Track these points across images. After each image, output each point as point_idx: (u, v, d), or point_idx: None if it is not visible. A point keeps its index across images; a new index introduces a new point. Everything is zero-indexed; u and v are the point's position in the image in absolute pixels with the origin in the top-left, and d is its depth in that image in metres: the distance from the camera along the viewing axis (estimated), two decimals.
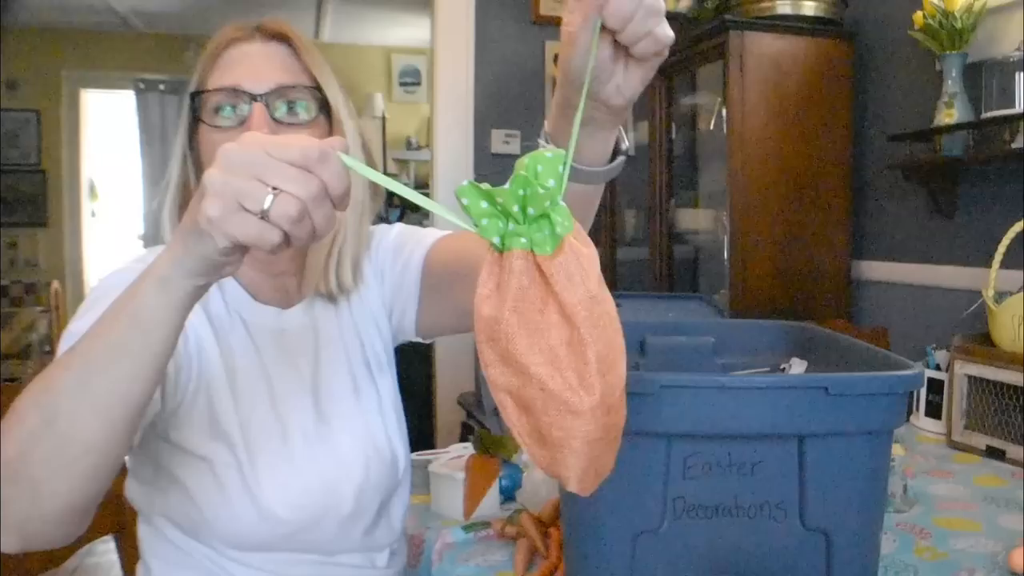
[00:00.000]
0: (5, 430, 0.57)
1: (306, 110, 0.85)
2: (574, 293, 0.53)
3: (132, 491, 0.89)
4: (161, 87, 5.93)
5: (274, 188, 0.49)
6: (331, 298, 0.93)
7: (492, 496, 1.11)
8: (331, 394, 0.92)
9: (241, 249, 0.53)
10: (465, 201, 0.52)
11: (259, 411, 0.86)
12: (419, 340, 1.02)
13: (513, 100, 3.02)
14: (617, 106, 0.65)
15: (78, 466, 0.57)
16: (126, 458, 0.80)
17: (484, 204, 0.53)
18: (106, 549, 2.71)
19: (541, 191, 0.52)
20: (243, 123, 0.82)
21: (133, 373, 0.57)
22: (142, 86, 5.91)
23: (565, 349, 0.54)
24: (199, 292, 0.57)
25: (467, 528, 1.04)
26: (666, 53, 0.61)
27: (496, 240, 0.53)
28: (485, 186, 0.53)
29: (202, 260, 0.53)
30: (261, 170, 0.49)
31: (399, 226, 1.02)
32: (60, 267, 5.90)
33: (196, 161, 0.88)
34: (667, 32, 0.59)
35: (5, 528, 0.59)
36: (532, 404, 0.54)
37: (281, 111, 0.84)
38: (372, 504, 0.92)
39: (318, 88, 0.86)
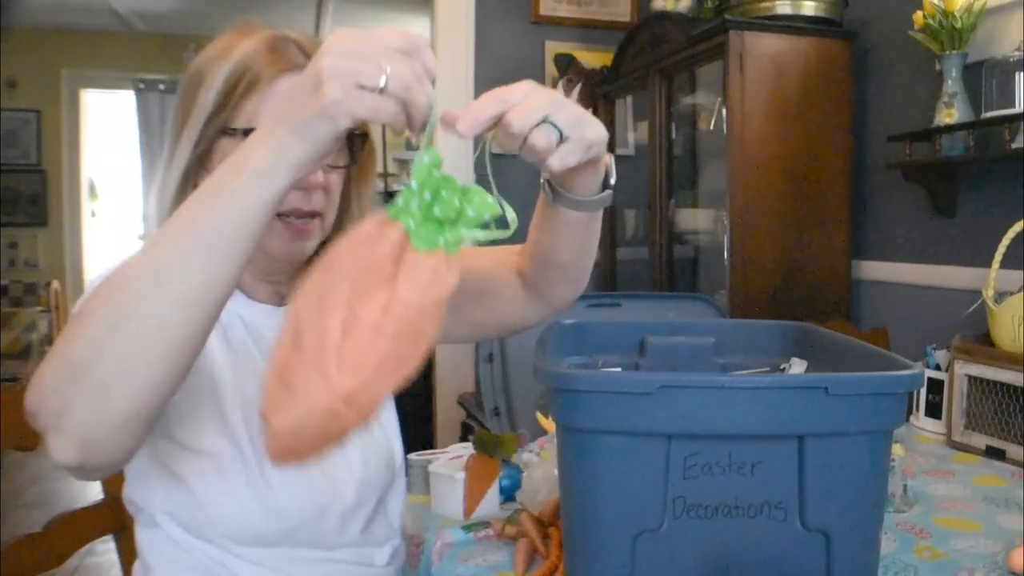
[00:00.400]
0: (73, 331, 0.57)
1: (345, 155, 0.87)
2: (411, 292, 0.55)
3: (132, 491, 0.89)
4: (161, 87, 5.93)
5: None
6: None
7: (492, 496, 1.11)
8: None
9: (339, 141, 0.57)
10: (414, 184, 0.57)
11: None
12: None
13: None
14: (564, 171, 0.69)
15: (152, 366, 0.57)
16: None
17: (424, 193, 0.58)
18: (106, 549, 2.71)
19: (448, 197, 0.57)
20: None
21: (219, 271, 0.57)
22: (142, 86, 5.91)
23: (366, 330, 0.55)
24: (286, 192, 0.58)
25: (467, 528, 1.04)
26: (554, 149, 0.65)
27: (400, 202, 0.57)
28: (437, 173, 0.58)
29: (315, 146, 0.56)
30: (372, 53, 0.54)
31: None
32: (60, 267, 5.90)
33: (207, 160, 0.84)
34: (546, 143, 0.63)
35: (66, 434, 0.57)
36: (305, 346, 0.55)
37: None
38: (371, 497, 0.93)
39: (364, 135, 0.87)
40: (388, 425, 0.98)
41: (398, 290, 0.56)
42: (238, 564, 0.86)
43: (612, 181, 0.78)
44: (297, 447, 0.56)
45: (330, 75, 0.54)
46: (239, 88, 0.81)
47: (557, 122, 0.63)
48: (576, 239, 0.84)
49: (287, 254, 0.86)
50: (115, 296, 0.57)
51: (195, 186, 0.83)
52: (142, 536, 0.89)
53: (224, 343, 0.87)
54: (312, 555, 0.90)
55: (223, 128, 0.82)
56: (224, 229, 0.57)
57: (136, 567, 0.93)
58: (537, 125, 0.62)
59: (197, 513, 0.84)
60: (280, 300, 0.93)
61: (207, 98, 0.82)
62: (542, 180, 0.78)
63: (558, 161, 0.64)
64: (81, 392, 0.56)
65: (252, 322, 0.90)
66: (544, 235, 0.85)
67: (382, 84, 0.54)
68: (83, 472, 0.61)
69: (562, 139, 0.64)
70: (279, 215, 0.82)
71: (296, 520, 0.86)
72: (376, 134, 0.93)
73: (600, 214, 0.82)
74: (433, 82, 0.57)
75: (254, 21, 0.89)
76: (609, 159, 0.77)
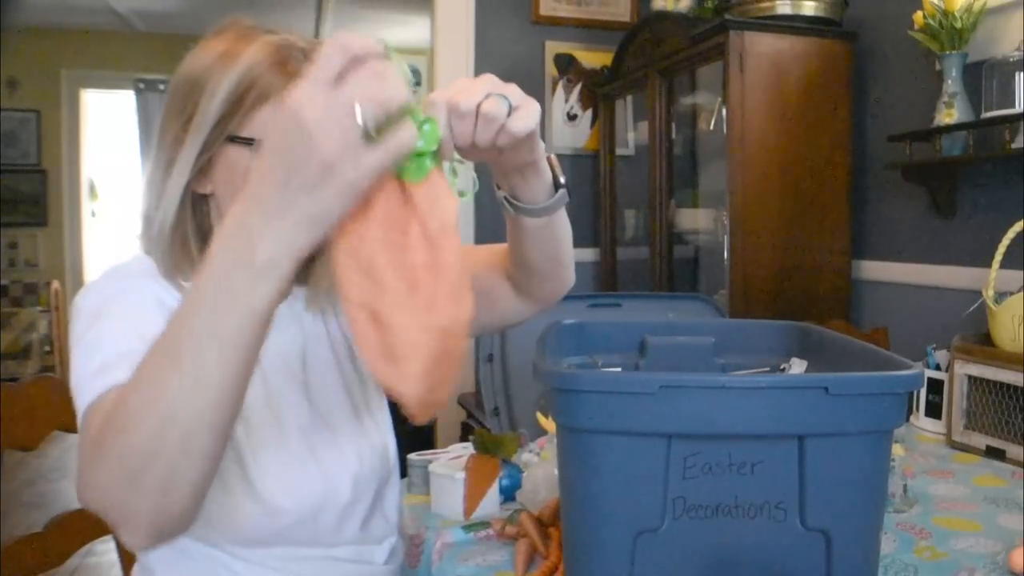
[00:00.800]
0: (116, 439, 0.58)
1: None
2: (435, 220, 0.58)
3: None
4: (161, 87, 5.93)
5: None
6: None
7: (492, 496, 1.11)
8: (321, 388, 0.93)
9: None
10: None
11: (256, 405, 0.87)
12: None
13: None
14: (512, 163, 0.74)
15: (204, 454, 0.58)
16: None
17: None
18: (106, 549, 2.71)
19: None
20: None
21: (250, 357, 0.58)
22: (142, 86, 5.91)
23: (423, 271, 0.58)
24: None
25: (467, 528, 1.04)
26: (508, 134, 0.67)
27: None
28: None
29: (329, 226, 0.56)
30: (345, 100, 0.52)
31: None
32: (60, 267, 5.90)
33: (207, 166, 0.84)
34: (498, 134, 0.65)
35: (137, 527, 0.59)
36: (385, 318, 0.57)
37: None
38: (367, 493, 0.94)
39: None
40: (380, 420, 0.99)
41: (425, 224, 0.58)
42: (240, 565, 0.86)
43: (563, 180, 0.80)
44: (431, 386, 0.58)
45: (329, 154, 0.52)
46: (248, 98, 0.81)
47: (504, 94, 0.65)
48: (544, 242, 0.86)
49: None
50: (153, 406, 0.57)
51: (195, 192, 0.84)
52: None
53: None
54: (313, 553, 0.90)
55: (230, 136, 0.81)
56: (244, 325, 0.56)
57: (135, 570, 0.92)
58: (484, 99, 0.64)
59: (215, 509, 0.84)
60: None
61: (211, 105, 0.81)
62: (499, 196, 0.81)
63: (519, 124, 0.65)
64: (141, 497, 0.58)
65: None
66: (515, 242, 0.87)
67: (360, 122, 0.52)
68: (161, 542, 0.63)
69: (511, 109, 0.65)
70: None
71: (294, 517, 0.86)
72: None
73: (561, 213, 0.84)
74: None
75: (245, 23, 0.88)
76: (553, 158, 0.79)
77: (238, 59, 0.82)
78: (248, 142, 0.81)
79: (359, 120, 0.52)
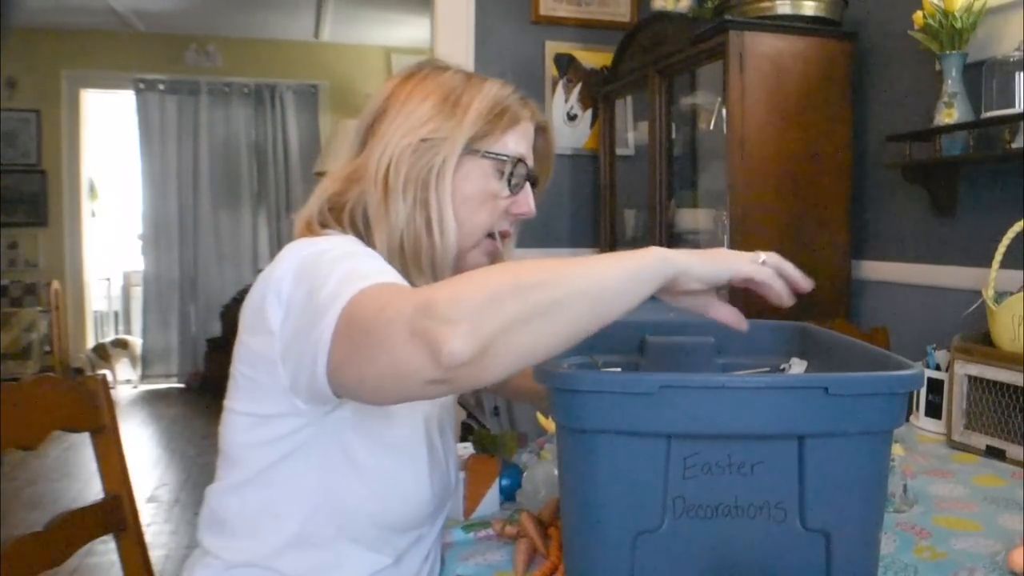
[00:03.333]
0: (510, 289, 0.66)
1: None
2: None
3: (292, 478, 0.89)
4: (161, 87, 5.94)
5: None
6: None
7: (492, 496, 1.11)
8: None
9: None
10: None
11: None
12: None
13: None
14: None
15: (557, 340, 0.69)
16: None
17: None
18: (106, 549, 2.71)
19: None
20: (517, 190, 0.98)
21: (619, 304, 0.71)
22: (142, 86, 5.92)
23: None
24: (667, 283, 0.76)
25: (467, 528, 1.05)
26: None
27: None
28: None
29: (708, 277, 0.80)
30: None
31: None
32: (60, 267, 5.90)
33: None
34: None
35: (473, 337, 0.63)
36: None
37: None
38: (452, 493, 1.05)
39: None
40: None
41: None
42: (353, 548, 0.90)
43: None
44: None
45: (736, 257, 0.83)
46: (502, 121, 0.96)
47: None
48: None
49: (474, 266, 0.97)
50: (554, 280, 0.68)
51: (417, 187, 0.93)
52: (266, 515, 0.90)
53: None
54: (424, 539, 0.99)
55: (485, 152, 0.95)
56: (624, 278, 0.72)
57: (209, 539, 0.93)
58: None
59: (374, 503, 0.89)
60: None
61: (468, 122, 0.93)
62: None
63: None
64: (506, 312, 0.65)
65: None
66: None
67: (761, 261, 0.85)
68: (447, 374, 0.65)
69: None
70: (490, 235, 0.98)
71: (440, 498, 0.97)
72: None
73: None
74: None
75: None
76: None
77: (484, 85, 0.97)
78: (499, 158, 0.95)
79: (760, 260, 0.87)
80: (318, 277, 0.77)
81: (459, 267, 0.96)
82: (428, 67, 0.99)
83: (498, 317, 0.64)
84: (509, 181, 0.96)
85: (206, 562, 0.92)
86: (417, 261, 0.92)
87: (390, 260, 0.90)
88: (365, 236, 0.92)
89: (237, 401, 0.89)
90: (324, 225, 0.93)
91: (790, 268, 0.87)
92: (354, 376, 0.71)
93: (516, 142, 0.98)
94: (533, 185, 1.01)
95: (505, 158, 0.96)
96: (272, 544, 0.88)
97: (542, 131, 1.04)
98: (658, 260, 0.73)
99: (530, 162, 1.00)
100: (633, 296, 0.72)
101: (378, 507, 0.89)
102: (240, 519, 0.90)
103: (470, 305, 0.64)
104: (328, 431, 0.86)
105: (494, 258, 1.00)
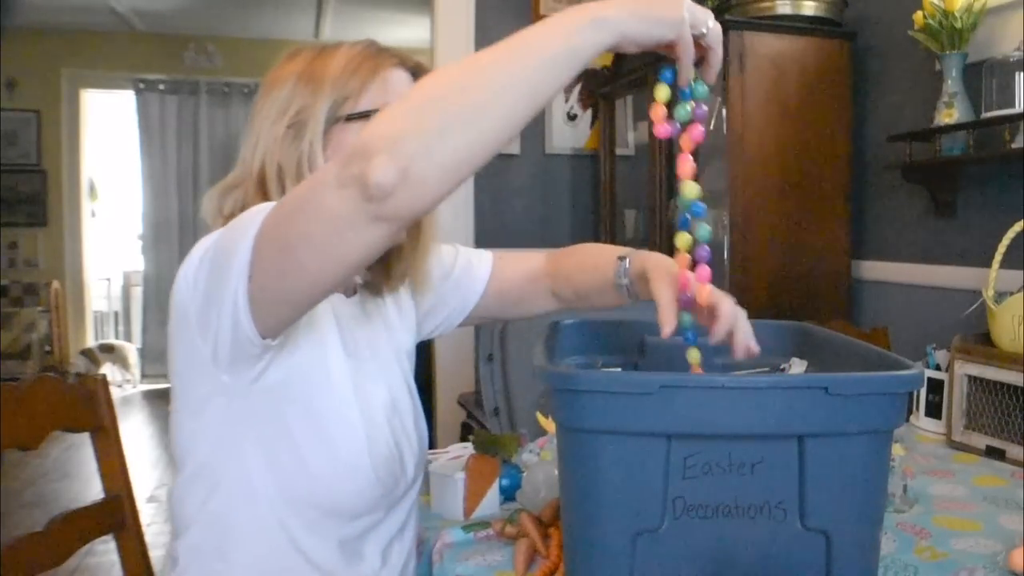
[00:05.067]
0: (434, 89, 0.65)
1: None
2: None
3: (214, 457, 0.88)
4: (161, 87, 5.93)
5: None
6: (378, 292, 1.03)
7: (492, 496, 1.11)
8: (390, 375, 1.02)
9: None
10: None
11: (344, 390, 0.93)
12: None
13: None
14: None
15: (488, 133, 0.65)
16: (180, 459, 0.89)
17: None
18: (106, 549, 2.71)
19: None
20: None
21: (555, 83, 0.67)
22: (142, 86, 5.91)
23: None
24: (597, 54, 0.69)
25: (467, 528, 1.04)
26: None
27: None
28: None
29: (645, 35, 0.70)
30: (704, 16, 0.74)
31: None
32: (60, 267, 5.90)
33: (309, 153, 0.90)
34: None
35: (395, 158, 0.62)
36: None
37: None
38: (418, 478, 1.04)
39: None
40: (419, 410, 1.07)
41: None
42: (310, 541, 0.90)
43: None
44: None
45: (687, 9, 0.71)
46: (363, 72, 0.90)
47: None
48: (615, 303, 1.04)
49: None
50: (472, 81, 0.65)
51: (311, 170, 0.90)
52: (214, 509, 0.89)
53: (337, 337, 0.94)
54: (379, 534, 0.97)
55: (342, 116, 0.89)
56: (565, 55, 0.67)
57: (179, 546, 0.92)
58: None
59: (299, 487, 0.87)
60: (353, 290, 1.02)
61: (324, 94, 0.89)
62: (624, 282, 0.98)
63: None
64: (421, 130, 0.64)
65: (337, 311, 0.96)
66: (589, 296, 1.06)
67: (706, 31, 0.73)
68: (380, 208, 0.64)
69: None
70: None
71: (386, 484, 0.93)
72: None
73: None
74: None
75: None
76: None
77: (338, 49, 0.92)
78: (365, 116, 0.89)
79: (705, 30, 0.73)
80: (220, 240, 0.77)
81: None
82: (291, 50, 0.96)
83: (417, 136, 0.63)
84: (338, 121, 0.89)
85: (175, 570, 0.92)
86: None
87: None
88: None
89: (173, 402, 0.89)
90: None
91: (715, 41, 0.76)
92: (287, 271, 0.71)
93: (381, 93, 0.91)
94: None
95: (370, 113, 0.88)
96: (225, 536, 0.88)
97: (417, 70, 0.96)
98: (593, 28, 0.67)
99: None
100: (568, 72, 0.68)
101: (315, 485, 0.88)
102: (193, 515, 0.90)
103: (388, 131, 0.64)
104: (259, 408, 0.84)
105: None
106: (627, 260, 0.98)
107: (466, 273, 1.13)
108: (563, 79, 0.67)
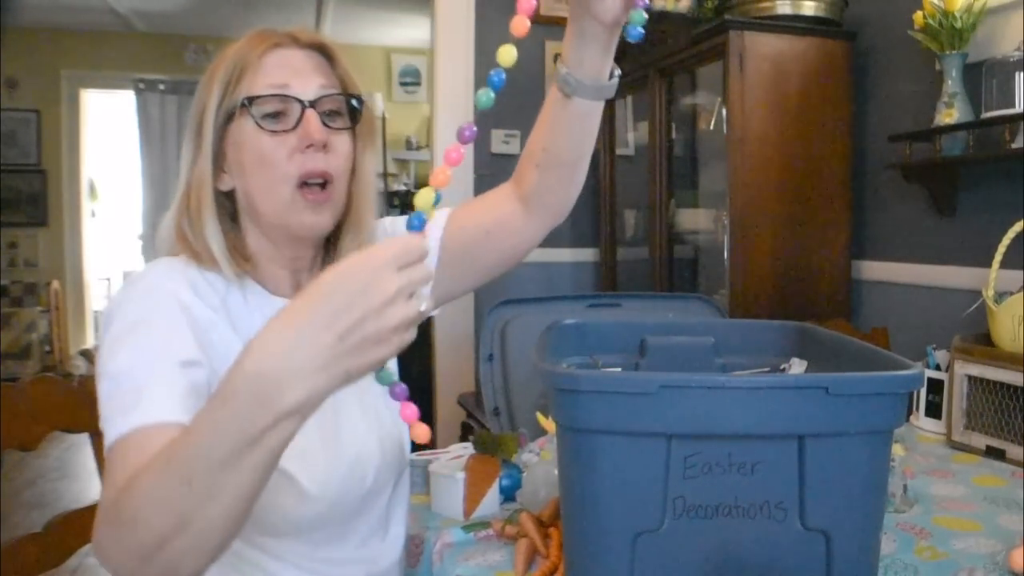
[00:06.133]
0: (126, 530, 0.60)
1: (345, 119, 0.90)
2: None
3: None
4: (161, 87, 5.93)
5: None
6: None
7: (492, 496, 1.11)
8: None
9: None
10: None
11: None
12: (431, 314, 1.06)
13: (513, 100, 2.99)
14: (607, 22, 0.82)
15: (214, 547, 0.61)
16: None
17: None
18: None
19: None
20: (295, 127, 0.85)
21: (262, 479, 0.60)
22: (142, 86, 5.91)
23: None
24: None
25: (467, 528, 1.04)
26: None
27: None
28: None
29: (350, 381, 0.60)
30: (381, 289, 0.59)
31: (389, 218, 1.06)
32: (60, 267, 5.90)
33: (221, 159, 0.88)
34: None
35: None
36: None
37: (328, 117, 0.88)
38: (388, 483, 0.97)
39: (358, 97, 0.91)
40: (395, 412, 0.98)
41: None
42: (273, 564, 0.88)
43: (616, 72, 0.89)
44: None
45: (370, 333, 0.58)
46: (241, 65, 0.86)
47: None
48: (583, 132, 0.92)
49: (311, 228, 0.88)
50: (164, 513, 0.59)
51: (219, 191, 0.88)
52: None
53: (243, 342, 0.86)
54: (339, 552, 0.92)
55: (228, 115, 0.86)
56: (261, 460, 0.59)
57: None
58: None
59: None
60: (299, 290, 0.94)
61: (213, 95, 0.86)
62: (561, 72, 0.87)
63: None
64: (151, 570, 0.60)
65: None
66: (552, 136, 0.93)
67: (423, 309, 0.61)
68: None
69: None
70: (299, 186, 0.86)
71: (324, 504, 0.88)
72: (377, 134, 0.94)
73: (602, 105, 0.91)
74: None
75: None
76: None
77: (229, 48, 0.88)
78: (246, 108, 0.84)
79: (422, 307, 0.60)
80: (102, 357, 0.76)
81: (292, 234, 0.89)
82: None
83: (155, 569, 0.60)
84: (259, 125, 0.85)
85: None
86: (257, 259, 0.90)
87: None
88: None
89: None
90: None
91: None
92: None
93: (260, 79, 0.86)
94: (313, 106, 0.86)
95: (249, 101, 0.85)
96: None
97: (301, 45, 0.90)
98: (282, 428, 0.58)
99: (302, 86, 0.86)
100: (273, 462, 0.60)
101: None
102: None
103: (125, 569, 0.61)
104: None
105: (322, 208, 0.87)
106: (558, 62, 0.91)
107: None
108: (273, 465, 0.60)
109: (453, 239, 1.00)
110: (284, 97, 0.85)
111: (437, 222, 1.01)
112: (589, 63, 0.86)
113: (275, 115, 0.86)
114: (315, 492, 0.86)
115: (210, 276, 0.87)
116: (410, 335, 0.60)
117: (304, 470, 0.86)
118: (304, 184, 0.86)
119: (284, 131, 0.85)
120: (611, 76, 0.88)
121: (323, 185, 0.87)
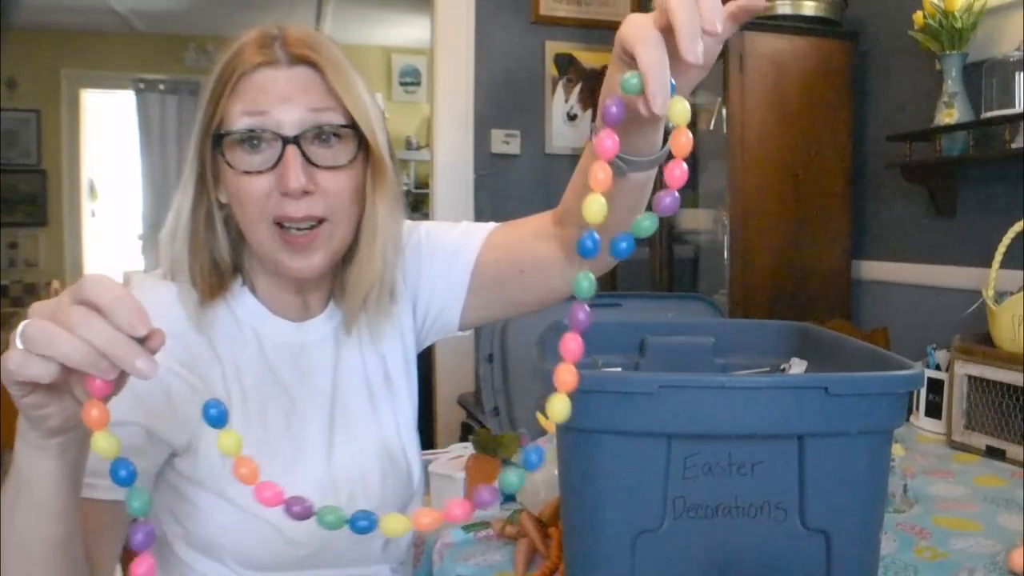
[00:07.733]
0: None
1: (344, 145, 0.79)
2: None
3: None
4: (161, 87, 5.93)
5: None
6: (347, 331, 0.90)
7: None
8: (347, 407, 0.89)
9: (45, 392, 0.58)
10: None
11: (274, 431, 0.83)
12: (459, 334, 1.01)
13: (513, 100, 3.02)
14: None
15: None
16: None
17: None
18: None
19: None
20: (275, 167, 0.76)
21: (41, 520, 0.62)
22: (142, 86, 5.91)
23: None
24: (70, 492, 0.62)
25: (467, 528, 1.04)
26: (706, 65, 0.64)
27: None
28: None
29: (53, 455, 0.60)
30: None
31: (426, 225, 0.98)
32: (60, 267, 5.90)
33: (217, 176, 0.81)
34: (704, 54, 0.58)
35: None
36: None
37: (316, 153, 0.77)
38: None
39: (354, 125, 0.79)
40: (406, 441, 0.93)
41: None
42: None
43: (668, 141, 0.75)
44: None
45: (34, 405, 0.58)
46: (220, 85, 0.77)
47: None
48: (635, 197, 0.81)
49: (297, 271, 0.80)
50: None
51: (210, 204, 0.82)
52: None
53: (226, 370, 0.82)
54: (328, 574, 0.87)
55: (215, 136, 0.78)
56: (29, 493, 0.61)
57: None
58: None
59: (216, 542, 0.82)
60: (306, 311, 0.89)
61: (200, 115, 0.79)
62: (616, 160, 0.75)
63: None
64: None
65: (270, 339, 0.86)
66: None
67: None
68: None
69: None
70: (280, 226, 0.77)
71: (313, 547, 0.83)
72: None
73: (653, 173, 0.80)
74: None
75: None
76: None
77: (223, 55, 0.80)
78: (221, 140, 0.77)
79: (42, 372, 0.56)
80: None
81: (280, 271, 0.82)
82: None
83: None
84: (229, 164, 0.77)
85: None
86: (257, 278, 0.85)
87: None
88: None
89: None
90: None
91: None
92: None
93: (238, 106, 0.77)
94: (296, 141, 0.76)
95: (227, 136, 0.76)
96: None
97: (290, 61, 0.78)
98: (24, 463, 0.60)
99: (286, 114, 0.76)
100: (75, 491, 0.62)
101: (218, 535, 0.82)
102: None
103: None
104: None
105: (307, 251, 0.79)
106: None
107: (449, 235, 0.96)
108: (62, 521, 0.63)
109: (487, 266, 0.92)
110: (261, 131, 0.76)
111: (473, 237, 0.94)
112: (642, 141, 0.75)
113: (253, 146, 0.77)
114: (303, 538, 0.81)
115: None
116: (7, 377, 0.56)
117: (285, 519, 0.81)
118: (278, 224, 0.77)
119: (259, 172, 0.76)
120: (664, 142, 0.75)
121: (313, 226, 0.78)
